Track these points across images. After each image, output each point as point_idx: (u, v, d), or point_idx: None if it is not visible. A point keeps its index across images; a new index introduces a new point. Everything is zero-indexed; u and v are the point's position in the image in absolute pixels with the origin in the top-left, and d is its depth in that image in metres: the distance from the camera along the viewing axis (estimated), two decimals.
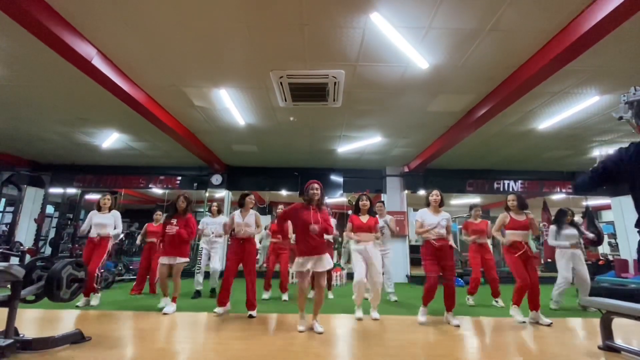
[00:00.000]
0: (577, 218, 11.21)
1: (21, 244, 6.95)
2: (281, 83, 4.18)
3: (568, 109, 4.81)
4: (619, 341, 2.90)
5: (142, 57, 3.72)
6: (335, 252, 7.59)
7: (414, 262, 9.99)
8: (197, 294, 5.11)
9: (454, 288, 3.75)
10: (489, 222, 5.03)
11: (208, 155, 7.23)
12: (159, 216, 5.77)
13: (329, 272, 3.33)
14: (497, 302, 4.77)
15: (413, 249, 8.12)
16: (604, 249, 10.96)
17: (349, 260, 7.73)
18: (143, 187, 8.77)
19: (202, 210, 8.93)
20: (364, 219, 4.05)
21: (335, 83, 4.15)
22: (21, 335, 2.60)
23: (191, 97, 4.69)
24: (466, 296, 4.91)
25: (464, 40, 3.33)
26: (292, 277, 6.55)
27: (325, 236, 3.56)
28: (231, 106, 4.91)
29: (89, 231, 4.50)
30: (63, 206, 8.29)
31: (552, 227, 4.77)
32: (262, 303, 4.59)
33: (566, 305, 4.76)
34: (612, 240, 10.59)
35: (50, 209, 9.46)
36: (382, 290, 4.03)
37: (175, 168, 8.61)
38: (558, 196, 8.67)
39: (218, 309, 3.90)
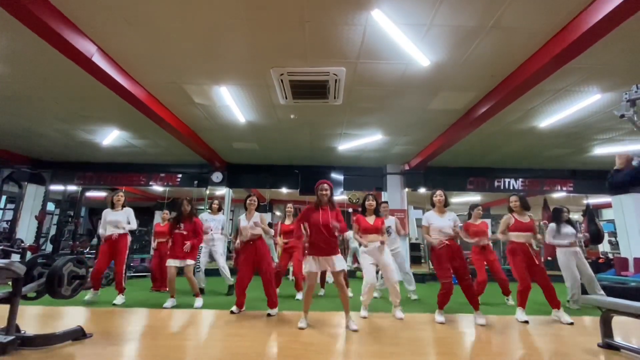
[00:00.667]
0: (578, 216, 11.20)
1: (22, 241, 6.98)
2: (282, 80, 4.16)
3: (569, 107, 4.78)
4: (618, 339, 2.90)
5: (142, 54, 3.70)
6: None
7: (414, 261, 10.03)
8: (201, 291, 5.11)
9: (472, 286, 3.72)
10: (489, 222, 5.03)
11: (208, 153, 7.22)
12: (167, 215, 5.84)
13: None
14: (508, 300, 4.78)
15: (413, 247, 8.12)
16: (604, 247, 10.98)
17: (355, 260, 7.73)
18: (143, 185, 8.77)
19: (202, 207, 8.93)
20: (371, 220, 4.03)
21: (336, 80, 4.14)
22: (22, 332, 2.61)
23: (191, 94, 4.68)
24: None
25: (465, 37, 3.32)
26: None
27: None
28: (231, 103, 4.90)
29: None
30: (64, 203, 8.32)
31: (552, 226, 4.78)
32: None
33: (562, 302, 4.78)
34: (612, 239, 10.60)
35: (51, 206, 9.50)
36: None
37: (175, 165, 8.60)
38: (559, 194, 8.65)
39: (234, 308, 3.92)
